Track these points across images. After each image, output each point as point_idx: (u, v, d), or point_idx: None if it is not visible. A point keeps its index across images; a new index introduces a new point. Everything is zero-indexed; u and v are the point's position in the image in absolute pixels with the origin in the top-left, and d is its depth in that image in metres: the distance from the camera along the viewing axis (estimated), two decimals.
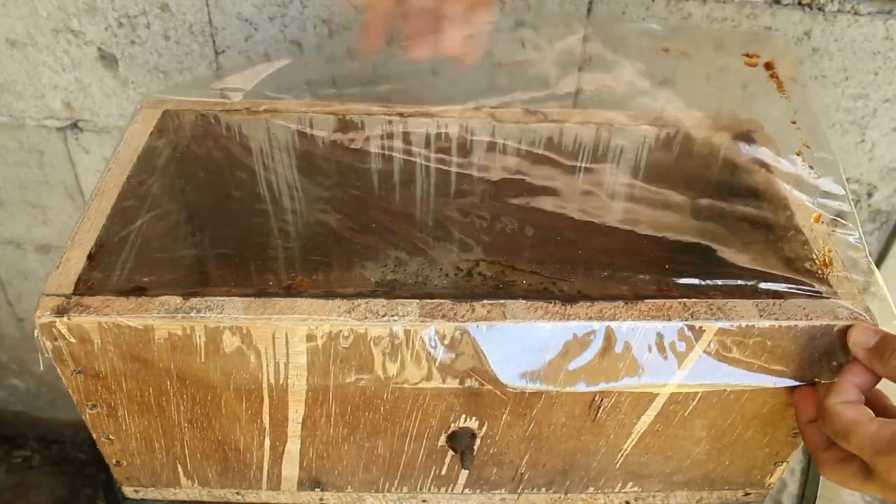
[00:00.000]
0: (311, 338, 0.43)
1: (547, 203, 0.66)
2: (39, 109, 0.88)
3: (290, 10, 0.78)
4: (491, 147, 0.61)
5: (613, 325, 0.44)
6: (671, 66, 0.79)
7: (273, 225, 0.67)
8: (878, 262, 0.94)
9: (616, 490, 0.57)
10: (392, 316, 0.43)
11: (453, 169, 0.63)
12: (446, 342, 0.44)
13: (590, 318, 0.44)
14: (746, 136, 0.60)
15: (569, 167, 0.63)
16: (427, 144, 0.62)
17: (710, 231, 0.67)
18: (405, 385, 0.46)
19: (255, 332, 0.43)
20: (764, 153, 0.56)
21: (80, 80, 0.85)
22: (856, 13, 0.74)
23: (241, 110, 0.60)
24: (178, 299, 0.43)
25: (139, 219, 0.55)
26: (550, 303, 0.45)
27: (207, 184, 0.64)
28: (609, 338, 0.45)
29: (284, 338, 0.43)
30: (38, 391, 1.28)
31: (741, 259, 0.61)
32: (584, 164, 0.63)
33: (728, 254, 0.64)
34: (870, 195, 0.88)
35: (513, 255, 0.70)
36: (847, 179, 0.87)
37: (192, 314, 0.43)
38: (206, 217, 0.66)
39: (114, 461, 0.52)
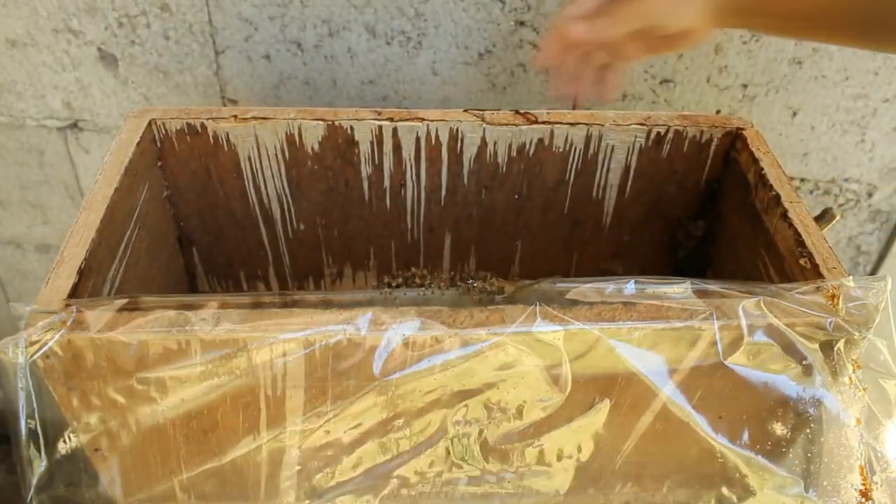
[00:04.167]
0: (308, 348, 0.43)
1: (539, 205, 0.66)
2: (39, 109, 0.88)
3: (290, 10, 0.77)
4: (482, 150, 0.62)
5: (612, 327, 0.44)
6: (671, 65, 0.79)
7: (263, 234, 0.67)
8: (878, 262, 0.94)
9: (616, 491, 0.57)
10: (391, 325, 0.43)
11: (444, 173, 0.63)
12: (445, 348, 0.44)
13: (589, 321, 0.45)
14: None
15: (560, 168, 0.63)
16: (417, 149, 0.61)
17: (702, 231, 0.67)
18: (404, 394, 0.47)
19: (251, 344, 0.43)
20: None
21: (80, 80, 0.85)
22: None
23: (228, 118, 0.60)
24: (172, 313, 0.43)
25: (128, 231, 0.55)
26: (549, 307, 0.45)
27: (195, 193, 0.63)
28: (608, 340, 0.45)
29: (282, 349, 0.43)
30: None
31: (735, 258, 0.61)
32: (575, 166, 0.63)
33: (722, 253, 0.64)
34: (870, 195, 0.88)
35: (507, 259, 0.70)
36: (847, 179, 0.87)
37: (186, 328, 0.42)
38: (194, 227, 0.66)
39: (108, 477, 0.52)
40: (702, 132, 0.62)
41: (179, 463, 0.50)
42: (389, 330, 0.43)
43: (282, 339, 0.43)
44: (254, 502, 0.54)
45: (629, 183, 0.65)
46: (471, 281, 0.50)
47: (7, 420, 0.44)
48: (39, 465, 0.45)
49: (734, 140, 0.62)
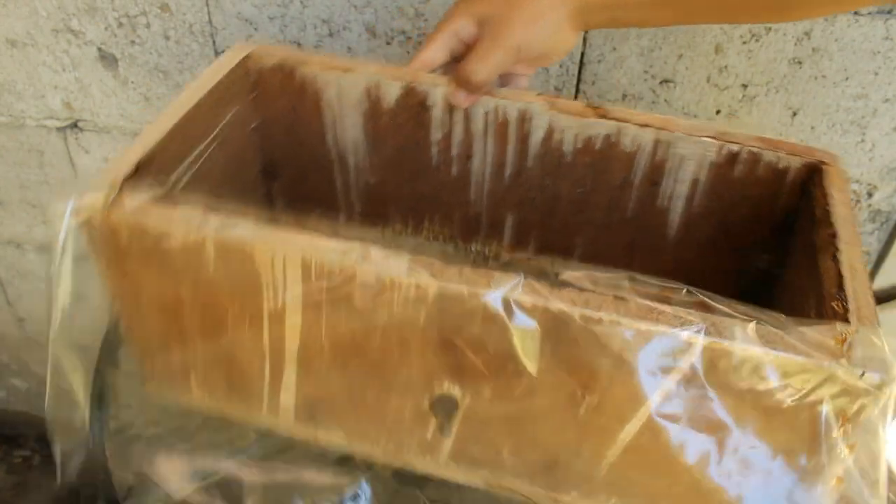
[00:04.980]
0: (306, 270, 0.44)
1: (603, 203, 0.64)
2: (39, 109, 0.88)
3: (290, 10, 0.78)
4: (548, 135, 0.61)
5: (596, 316, 0.43)
6: (671, 65, 0.79)
7: (337, 181, 0.69)
8: (878, 262, 0.94)
9: (601, 503, 0.56)
10: (384, 263, 0.44)
11: (510, 152, 0.64)
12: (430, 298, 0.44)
13: (574, 305, 0.43)
14: None
15: (626, 168, 0.62)
16: (486, 122, 0.62)
17: (766, 263, 0.64)
18: (391, 334, 0.47)
19: (256, 255, 0.45)
20: None
21: (80, 80, 0.85)
22: (856, 13, 0.74)
23: (316, 63, 0.62)
24: (199, 212, 0.45)
25: (202, 145, 0.57)
26: (538, 282, 0.44)
27: (282, 129, 0.66)
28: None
29: (282, 265, 0.45)
30: (39, 391, 1.28)
31: (790, 295, 0.58)
32: (642, 169, 0.62)
33: (783, 289, 0.61)
34: (870, 195, 0.88)
35: (566, 252, 0.69)
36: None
37: (205, 227, 0.44)
38: (278, 160, 0.68)
39: (137, 358, 0.55)
40: (779, 158, 0.58)
41: (195, 357, 0.53)
42: (380, 268, 0.44)
43: (283, 255, 0.44)
44: (257, 412, 0.56)
45: (696, 197, 0.62)
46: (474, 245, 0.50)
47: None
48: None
49: (813, 173, 0.58)
